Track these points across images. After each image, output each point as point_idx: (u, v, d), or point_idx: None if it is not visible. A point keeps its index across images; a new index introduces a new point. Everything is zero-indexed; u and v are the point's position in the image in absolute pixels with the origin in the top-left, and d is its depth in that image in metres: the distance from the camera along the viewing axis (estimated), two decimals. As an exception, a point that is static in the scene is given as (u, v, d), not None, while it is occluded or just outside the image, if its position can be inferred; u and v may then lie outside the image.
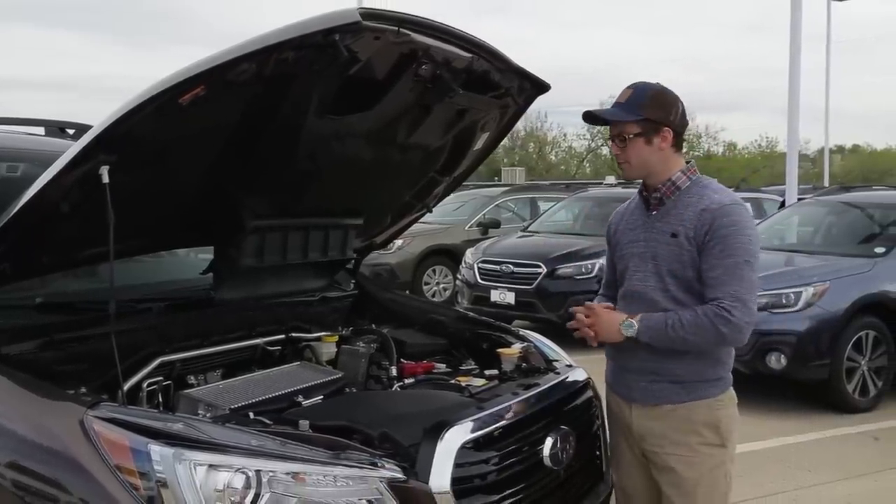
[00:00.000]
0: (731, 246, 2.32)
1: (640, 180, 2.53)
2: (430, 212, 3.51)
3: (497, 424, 2.23)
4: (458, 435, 2.09)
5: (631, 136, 2.40)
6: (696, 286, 2.38)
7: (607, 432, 2.71)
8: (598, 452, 2.74)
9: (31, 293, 2.43)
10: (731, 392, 2.52)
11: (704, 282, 2.35)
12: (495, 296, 8.79)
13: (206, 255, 3.04)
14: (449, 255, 11.35)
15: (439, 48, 2.41)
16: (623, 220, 2.62)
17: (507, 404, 2.34)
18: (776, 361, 6.04)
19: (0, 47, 69.11)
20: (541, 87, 2.91)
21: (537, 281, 8.52)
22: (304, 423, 2.12)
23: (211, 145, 2.31)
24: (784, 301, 6.14)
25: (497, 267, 8.86)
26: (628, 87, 2.45)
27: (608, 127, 2.48)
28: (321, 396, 2.56)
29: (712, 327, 2.29)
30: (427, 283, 11.46)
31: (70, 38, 73.44)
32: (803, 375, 6.17)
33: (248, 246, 2.66)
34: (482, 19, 76.11)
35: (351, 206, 3.06)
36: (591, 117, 2.47)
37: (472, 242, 10.58)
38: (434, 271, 11.52)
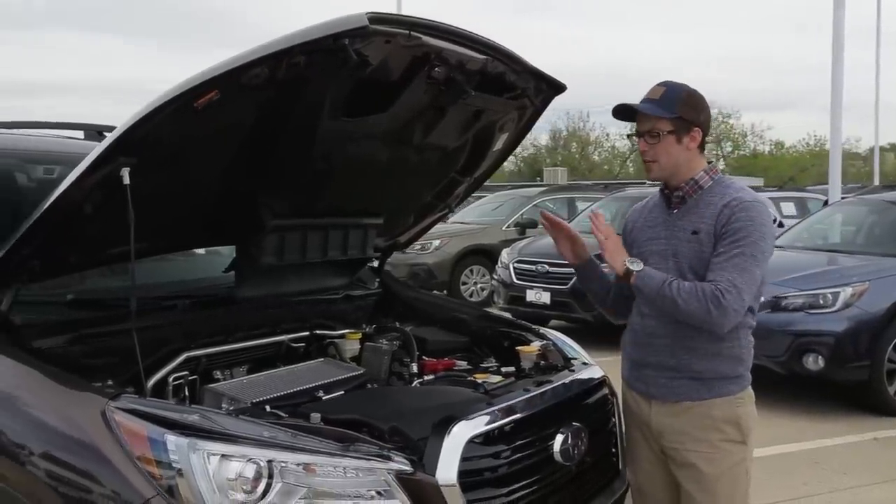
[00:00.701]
0: (742, 238, 2.34)
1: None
2: (453, 212, 3.56)
3: (505, 420, 2.27)
4: (466, 429, 2.13)
5: (665, 132, 2.41)
6: None
7: (624, 429, 2.73)
8: (613, 449, 2.75)
9: (63, 290, 2.53)
10: (750, 390, 2.53)
11: (709, 266, 2.36)
12: (531, 295, 8.79)
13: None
14: (486, 255, 11.37)
15: (452, 51, 2.45)
16: (641, 217, 2.64)
17: (516, 400, 2.38)
18: (813, 363, 5.95)
19: (47, 53, 71.16)
20: (557, 87, 2.93)
21: (573, 281, 8.49)
22: (316, 416, 2.18)
23: (228, 147, 2.38)
24: (821, 301, 6.06)
25: (532, 267, 8.86)
26: (660, 85, 2.46)
27: (635, 123, 2.48)
28: (342, 392, 2.63)
29: (704, 303, 2.29)
30: (465, 283, 11.52)
31: (113, 43, 75.18)
32: (842, 377, 6.07)
33: (267, 245, 2.72)
34: (524, 18, 75.90)
35: (370, 206, 3.11)
36: (624, 111, 2.48)
37: (509, 242, 10.59)
38: (471, 271, 11.57)
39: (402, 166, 2.92)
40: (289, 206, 2.71)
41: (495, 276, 9.67)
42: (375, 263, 3.60)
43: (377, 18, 2.09)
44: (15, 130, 3.74)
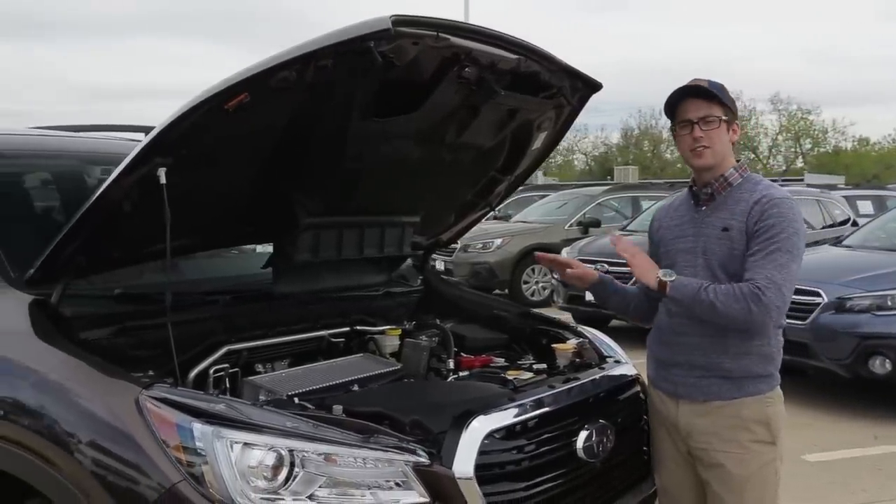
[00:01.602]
0: (777, 235, 2.34)
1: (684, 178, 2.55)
2: (494, 210, 3.59)
3: (526, 415, 2.29)
4: (485, 424, 2.17)
5: (720, 119, 2.42)
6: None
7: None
8: (644, 448, 2.73)
9: (113, 285, 2.66)
10: (780, 390, 2.51)
11: (745, 265, 2.35)
12: (590, 295, 8.70)
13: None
14: (548, 255, 11.31)
15: (482, 51, 2.46)
16: (668, 216, 2.64)
17: (538, 396, 2.40)
18: (880, 366, 5.74)
19: (135, 58, 73.94)
20: (593, 86, 2.93)
21: (633, 280, 8.38)
22: (338, 408, 2.25)
23: (262, 147, 2.45)
24: (889, 303, 5.85)
25: (592, 266, 8.76)
26: (697, 79, 2.48)
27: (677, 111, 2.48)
28: (377, 386, 2.68)
29: (743, 301, 2.28)
30: (526, 283, 11.48)
31: (196, 47, 77.66)
32: (910, 381, 5.84)
33: (302, 242, 2.78)
34: (595, 15, 75.05)
35: (406, 205, 3.15)
36: (675, 101, 2.46)
37: (571, 242, 10.51)
38: (533, 270, 11.52)
39: (437, 165, 2.94)
40: (323, 204, 2.77)
41: (555, 276, 9.62)
42: (418, 261, 3.66)
43: (402, 21, 2.12)
44: (82, 133, 3.93)
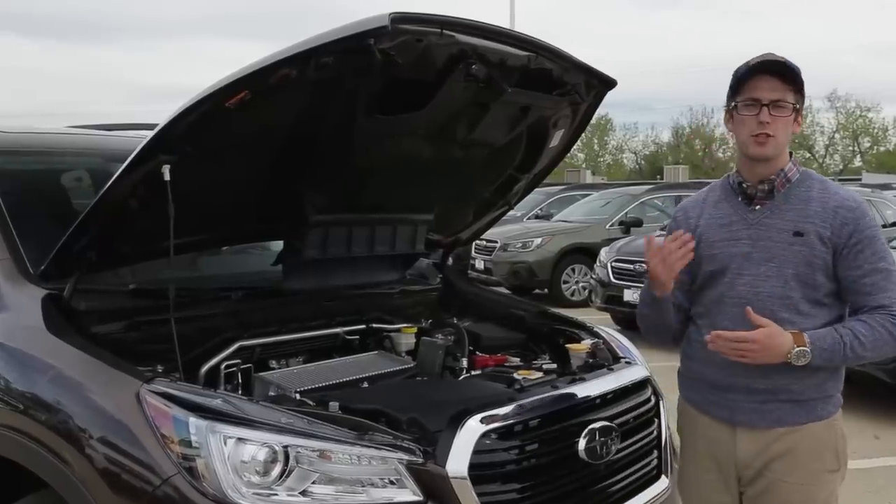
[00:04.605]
0: (882, 249, 2.13)
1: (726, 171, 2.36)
2: (512, 209, 3.56)
3: (524, 416, 2.26)
4: (480, 423, 2.14)
5: (797, 105, 2.15)
6: (822, 294, 2.14)
7: (674, 440, 2.62)
8: (656, 452, 2.68)
9: (124, 280, 2.70)
10: (841, 410, 2.28)
11: (855, 288, 2.13)
12: (628, 295, 8.58)
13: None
14: (588, 254, 11.15)
15: (490, 48, 2.43)
16: (705, 213, 2.31)
17: (539, 397, 2.37)
18: (928, 372, 5.53)
19: (192, 59, 75.58)
20: (608, 83, 2.88)
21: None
22: (335, 405, 2.25)
23: (269, 144, 2.46)
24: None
25: (631, 266, 8.66)
26: (772, 54, 2.16)
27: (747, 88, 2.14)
28: (378, 384, 2.68)
29: (891, 340, 2.07)
30: (566, 282, 11.38)
31: (253, 48, 79.04)
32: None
33: (311, 239, 2.79)
34: (646, 14, 74.01)
35: (418, 203, 3.13)
36: (768, 67, 2.12)
37: (612, 241, 10.39)
38: (573, 270, 11.41)
39: (449, 163, 2.93)
40: (331, 201, 2.77)
41: (593, 276, 9.53)
42: (439, 259, 3.65)
43: (402, 18, 2.11)
44: (114, 132, 4.01)
